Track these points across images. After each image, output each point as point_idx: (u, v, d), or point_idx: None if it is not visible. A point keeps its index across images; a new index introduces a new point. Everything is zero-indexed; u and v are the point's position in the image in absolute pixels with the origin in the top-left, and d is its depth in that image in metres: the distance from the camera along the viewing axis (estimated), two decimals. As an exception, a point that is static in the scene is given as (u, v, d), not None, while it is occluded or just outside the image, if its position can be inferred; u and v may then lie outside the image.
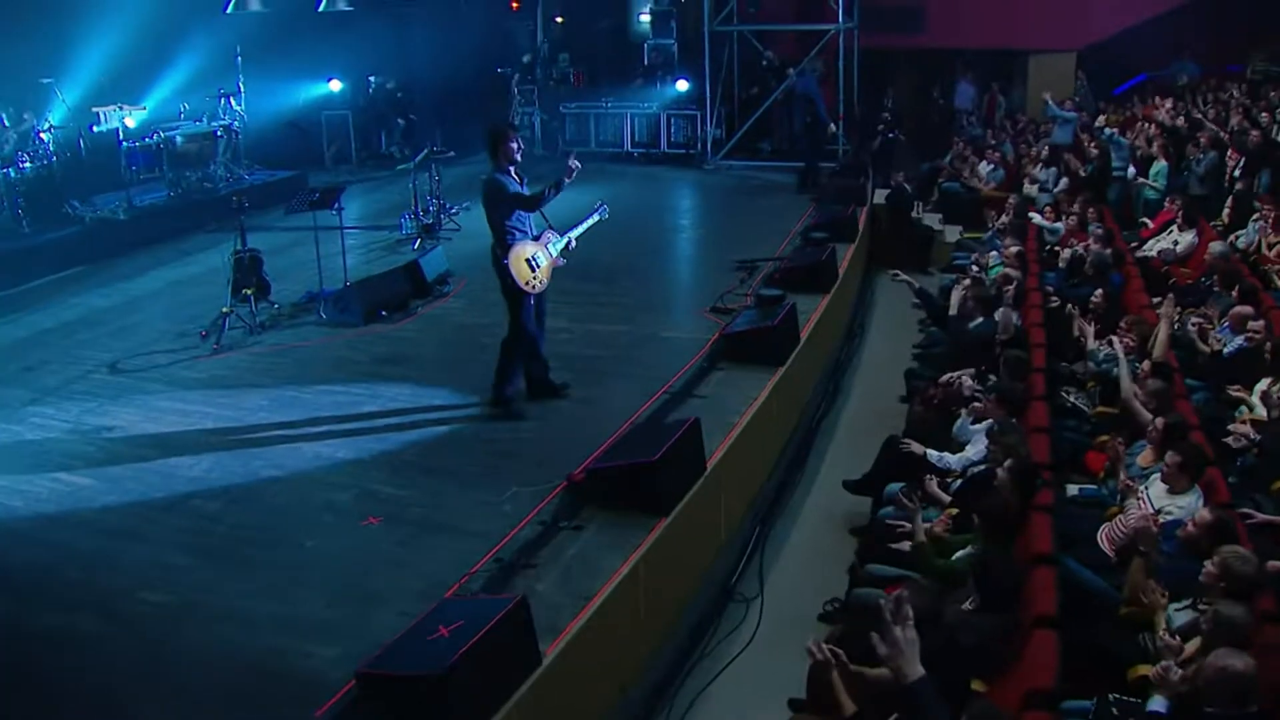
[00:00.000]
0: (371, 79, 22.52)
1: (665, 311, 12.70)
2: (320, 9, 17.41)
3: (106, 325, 12.48)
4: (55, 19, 16.48)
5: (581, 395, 9.98)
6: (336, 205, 12.94)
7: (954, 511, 7.64)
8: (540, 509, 7.68)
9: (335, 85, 22.16)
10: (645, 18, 28.76)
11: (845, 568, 7.97)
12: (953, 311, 12.02)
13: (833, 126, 20.99)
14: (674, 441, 7.87)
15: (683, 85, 23.12)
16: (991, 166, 19.31)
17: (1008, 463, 7.17)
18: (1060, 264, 13.76)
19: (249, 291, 12.04)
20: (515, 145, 9.23)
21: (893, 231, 18.03)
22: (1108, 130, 17.69)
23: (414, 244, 15.02)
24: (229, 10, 16.86)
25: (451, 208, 16.24)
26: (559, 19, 27.03)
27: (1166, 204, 14.92)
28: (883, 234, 17.93)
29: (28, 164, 14.97)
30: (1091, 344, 10.43)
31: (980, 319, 11.06)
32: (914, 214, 18.60)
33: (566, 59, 24.93)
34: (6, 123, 15.50)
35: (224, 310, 11.71)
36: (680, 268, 15.31)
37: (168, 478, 8.50)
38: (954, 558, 6.79)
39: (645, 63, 25.17)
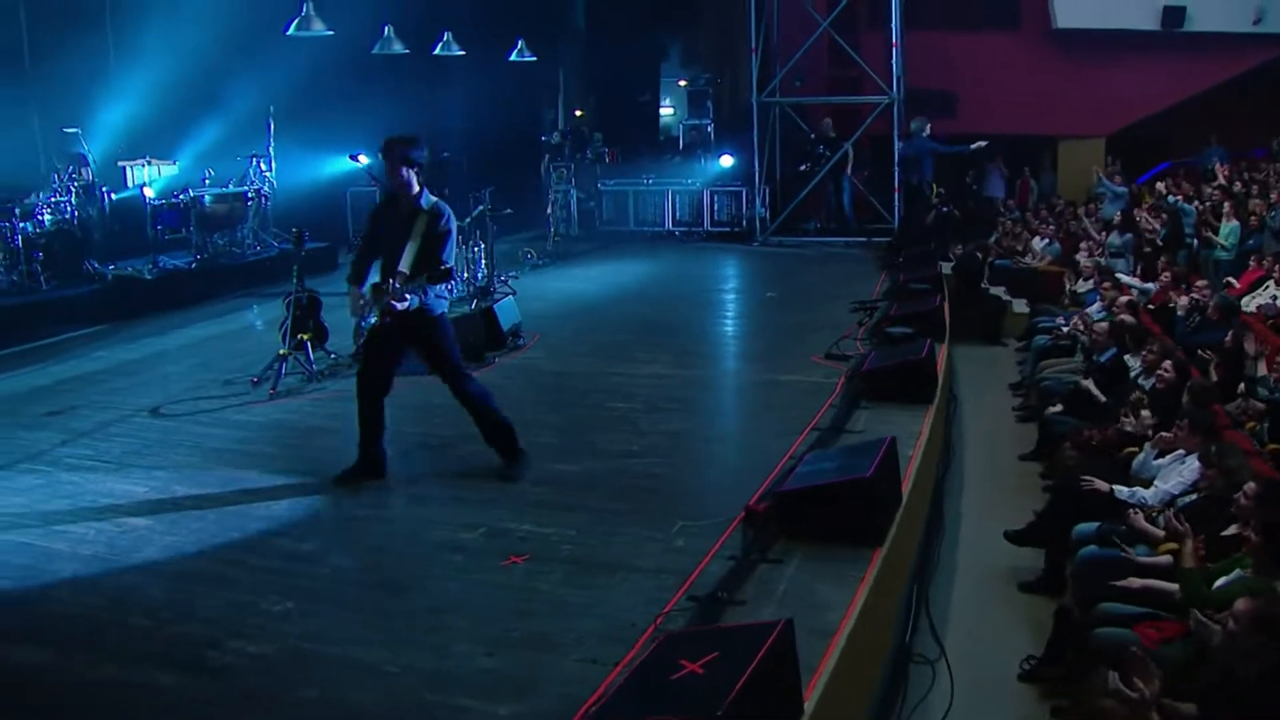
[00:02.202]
0: (376, 183, 21.27)
1: (772, 359, 11.60)
2: (375, 50, 16.20)
3: (138, 375, 11.02)
4: (87, 65, 15.71)
5: (708, 434, 9.16)
6: None
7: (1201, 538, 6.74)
8: (722, 542, 6.52)
9: (362, 160, 20.86)
10: (667, 111, 28.09)
11: (1025, 622, 7.39)
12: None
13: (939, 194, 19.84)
14: (880, 459, 6.67)
15: (727, 160, 22.02)
16: (1046, 241, 18.64)
17: (1251, 486, 6.28)
18: (1179, 312, 12.96)
19: (305, 337, 10.52)
20: None
21: (963, 302, 16.82)
22: (1172, 197, 17.20)
23: (470, 306, 13.51)
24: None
25: (503, 276, 14.79)
26: (578, 112, 26.16)
27: (1251, 262, 14.22)
28: (952, 305, 16.69)
29: (47, 216, 13.57)
30: (1262, 371, 9.83)
31: (1113, 349, 10.78)
32: (983, 284, 17.46)
33: (600, 138, 23.81)
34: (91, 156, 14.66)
35: (280, 353, 10.22)
36: (767, 324, 14.05)
37: (241, 517, 7.10)
38: (1215, 585, 5.98)
39: (682, 143, 24.23)
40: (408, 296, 7.20)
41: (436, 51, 17.66)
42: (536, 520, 6.94)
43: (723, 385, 10.81)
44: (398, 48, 16.16)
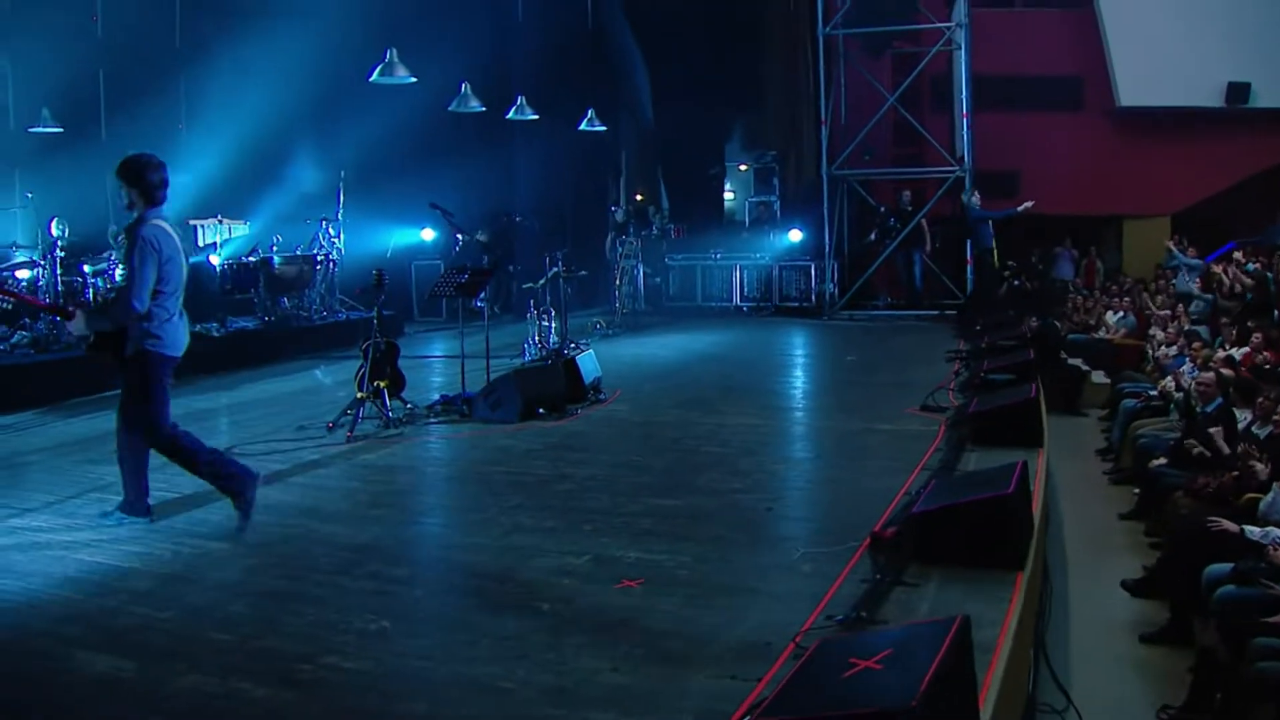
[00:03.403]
0: (460, 236, 21.09)
1: (864, 411, 11.01)
2: (452, 107, 16.01)
3: (209, 421, 10.64)
4: (160, 128, 15.79)
5: (813, 474, 8.67)
6: (482, 295, 11.55)
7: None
8: (853, 565, 6.00)
9: (428, 234, 20.70)
10: (730, 195, 27.85)
11: (1150, 673, 7.07)
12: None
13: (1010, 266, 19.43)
14: (1017, 480, 6.12)
15: (796, 235, 21.62)
16: (1120, 314, 18.16)
17: None
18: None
19: (382, 384, 10.08)
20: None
21: (1042, 372, 16.28)
22: (1251, 264, 16.84)
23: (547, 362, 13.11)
24: (452, 108, 15.72)
25: (575, 342, 14.35)
26: (639, 196, 25.94)
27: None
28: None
29: (119, 272, 13.24)
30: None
31: (1218, 400, 10.38)
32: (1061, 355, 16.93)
33: (667, 213, 23.54)
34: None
35: (358, 396, 9.81)
36: (852, 383, 13.58)
37: (326, 544, 6.64)
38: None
39: (748, 219, 23.93)
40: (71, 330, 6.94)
41: (509, 115, 17.41)
42: (646, 548, 6.41)
43: (817, 433, 10.28)
44: (474, 105, 15.96)
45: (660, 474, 8.34)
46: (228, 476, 6.85)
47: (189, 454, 6.85)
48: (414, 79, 13.52)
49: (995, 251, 19.81)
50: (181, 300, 6.88)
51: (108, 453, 8.77)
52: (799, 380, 13.90)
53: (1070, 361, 16.93)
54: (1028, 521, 6.25)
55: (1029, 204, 19.33)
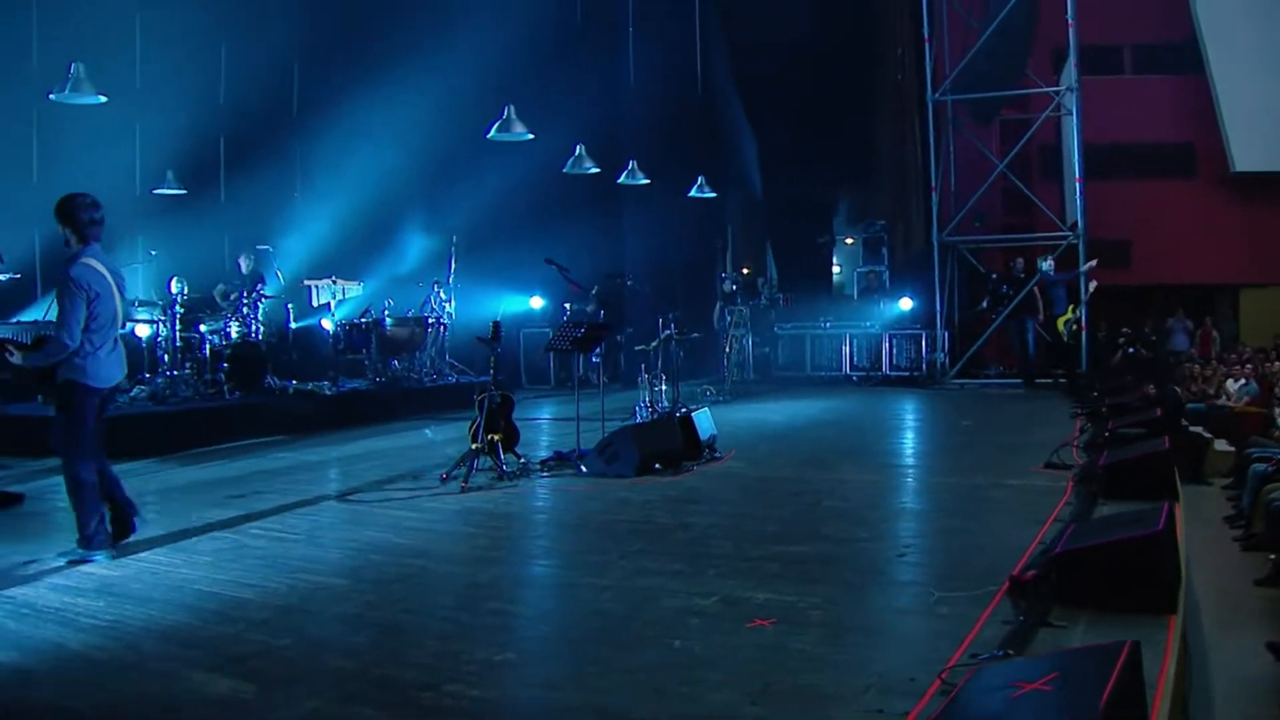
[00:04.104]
0: (567, 305, 21.09)
1: (987, 469, 10.55)
2: (566, 169, 16.04)
3: (321, 471, 10.75)
4: (276, 193, 16.37)
5: (940, 525, 8.24)
6: (600, 350, 11.46)
7: None
8: (994, 607, 5.68)
9: (537, 302, 20.71)
10: (836, 269, 27.64)
11: None
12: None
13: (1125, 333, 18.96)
14: (1164, 519, 5.78)
15: (906, 303, 21.27)
16: (1243, 382, 17.45)
17: None
18: None
19: (496, 437, 9.91)
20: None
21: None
22: None
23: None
24: (566, 169, 15.89)
25: (686, 407, 14.14)
26: (745, 269, 25.80)
27: None
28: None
29: (234, 329, 13.65)
30: None
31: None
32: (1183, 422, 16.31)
33: (775, 282, 23.35)
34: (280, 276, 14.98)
35: (472, 447, 9.67)
36: (970, 444, 13.09)
37: (445, 582, 6.51)
38: None
39: (857, 290, 23.65)
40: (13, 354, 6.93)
41: (621, 180, 17.41)
42: (775, 590, 6.11)
43: (940, 488, 9.88)
44: (589, 167, 15.96)
45: (783, 524, 8.03)
46: (97, 534, 6.82)
47: (89, 499, 6.88)
48: (531, 135, 13.53)
49: (1071, 318, 19.23)
50: (116, 334, 7.00)
51: (222, 497, 8.93)
52: (915, 442, 13.53)
53: (1191, 429, 16.37)
54: (1175, 567, 5.84)
55: (1093, 263, 19.01)
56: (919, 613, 5.70)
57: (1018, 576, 5.98)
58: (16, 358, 7.01)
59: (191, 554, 6.99)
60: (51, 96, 11.33)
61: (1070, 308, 19.82)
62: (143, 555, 6.97)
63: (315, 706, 4.44)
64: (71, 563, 6.56)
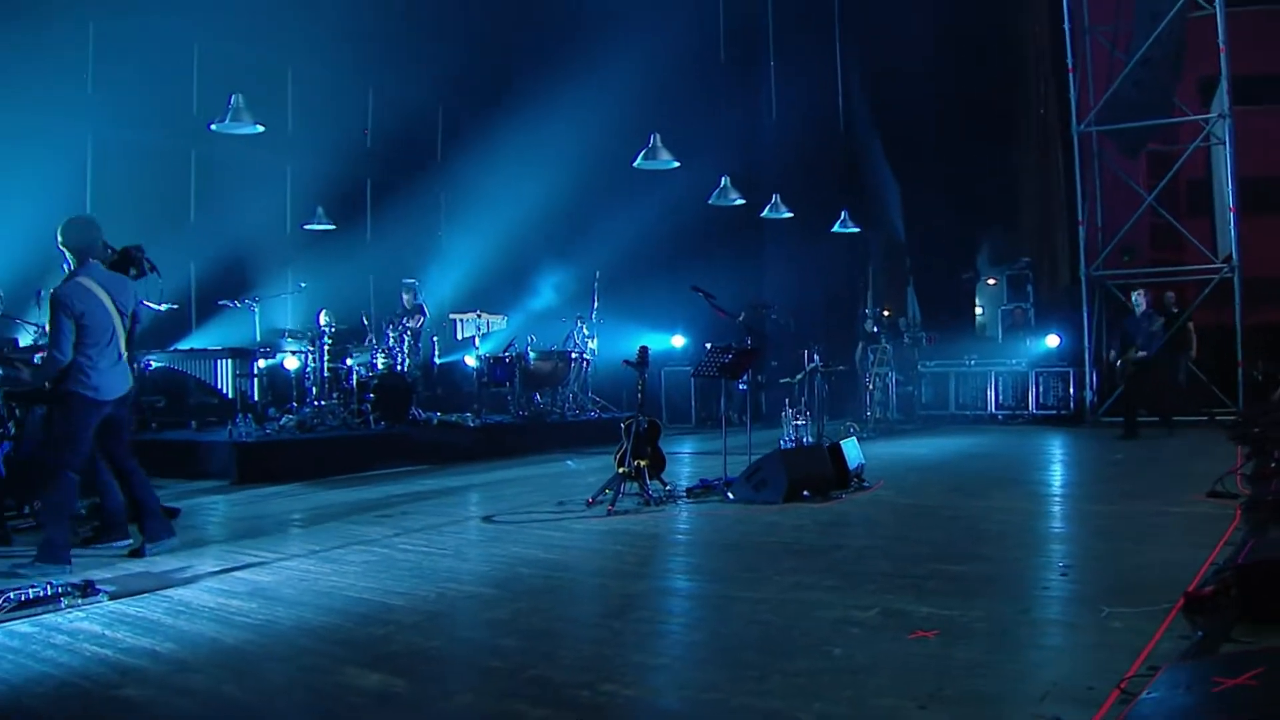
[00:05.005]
0: (708, 345, 20.93)
1: (1145, 498, 10.06)
2: (712, 200, 15.97)
3: (465, 495, 10.76)
4: (421, 231, 16.86)
5: (1104, 548, 7.70)
6: (748, 374, 11.43)
7: None
8: (1170, 620, 5.37)
9: (679, 341, 20.62)
10: (979, 310, 27.05)
11: None
12: None
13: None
14: None
15: (1053, 340, 20.62)
16: None
17: None
18: None
19: (642, 463, 9.78)
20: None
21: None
22: None
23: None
24: (712, 201, 15.99)
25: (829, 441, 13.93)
26: (886, 311, 25.38)
27: None
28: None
29: (380, 361, 13.86)
30: None
31: None
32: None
33: (917, 321, 22.92)
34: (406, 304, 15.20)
35: (619, 472, 9.59)
36: (1125, 475, 12.58)
37: (597, 593, 6.43)
38: None
39: (1002, 328, 23.06)
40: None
41: (764, 214, 17.28)
42: (936, 604, 5.84)
43: (1099, 515, 9.39)
44: (734, 198, 15.86)
45: (940, 545, 7.73)
46: (61, 545, 6.78)
47: (66, 512, 6.92)
48: (677, 163, 13.48)
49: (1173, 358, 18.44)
50: (119, 349, 7.07)
51: (370, 516, 8.98)
52: (1067, 473, 13.00)
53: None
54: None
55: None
56: (1089, 627, 5.38)
57: (1194, 593, 5.63)
58: (25, 374, 7.37)
59: (341, 564, 7.01)
60: (213, 127, 11.66)
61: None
62: (293, 564, 7.03)
63: (469, 701, 4.35)
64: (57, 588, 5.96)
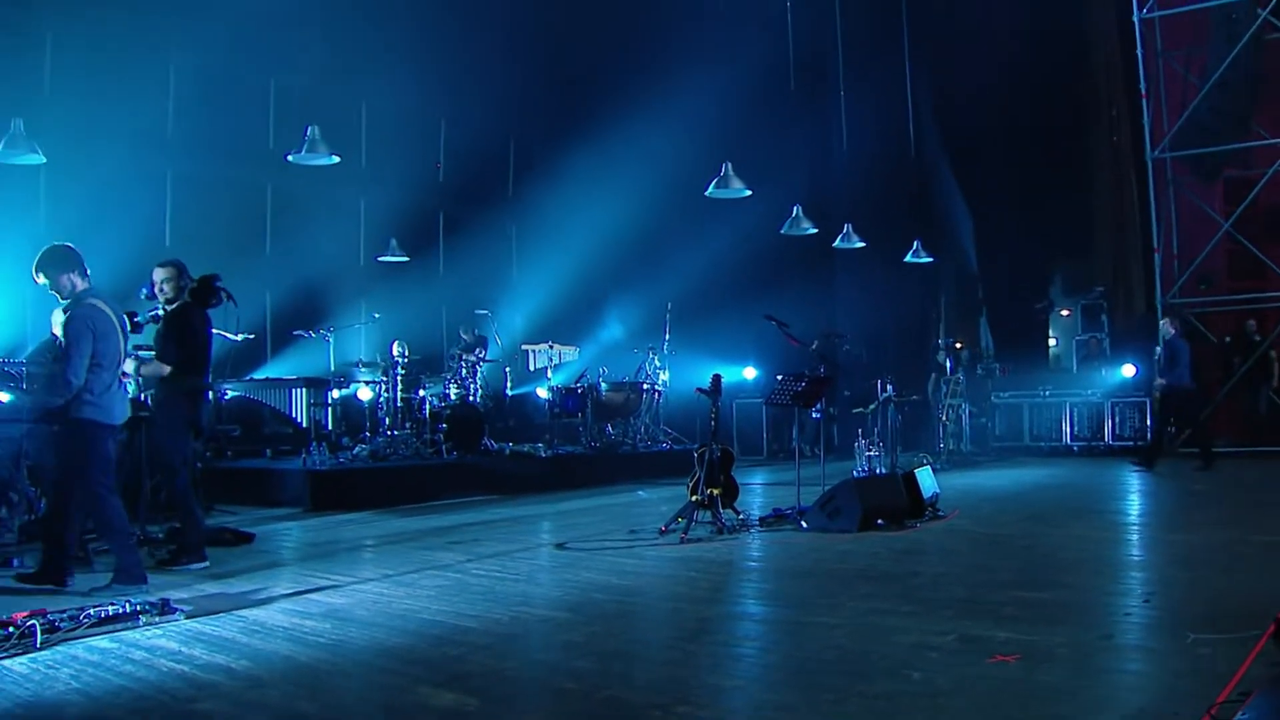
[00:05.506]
0: (779, 376, 20.83)
1: (1230, 526, 9.90)
2: (784, 230, 15.93)
3: (537, 523, 10.80)
4: (493, 265, 17.08)
5: (1191, 576, 7.55)
6: (821, 403, 11.34)
7: None
8: (1259, 649, 5.17)
9: (750, 373, 20.54)
10: (1053, 341, 26.69)
11: None
12: None
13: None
14: None
15: (1129, 370, 20.23)
16: None
17: None
18: None
19: (715, 492, 9.71)
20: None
21: None
22: None
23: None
24: (784, 230, 16.03)
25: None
26: (958, 344, 25.09)
27: None
28: None
29: (453, 391, 13.98)
30: None
31: None
32: None
33: (990, 352, 22.66)
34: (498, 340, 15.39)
35: (691, 500, 9.55)
36: (1209, 502, 12.50)
37: (670, 617, 6.44)
38: None
39: (1076, 359, 22.74)
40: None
41: (837, 244, 17.20)
42: (1015, 630, 5.73)
43: (1180, 544, 9.23)
44: (807, 228, 15.79)
45: (1017, 573, 7.60)
46: (133, 565, 6.88)
47: (114, 522, 6.94)
48: (748, 192, 13.47)
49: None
50: (118, 374, 7.04)
51: (443, 543, 9.01)
52: (1146, 503, 12.69)
53: None
54: None
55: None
56: (1174, 653, 5.25)
57: (1287, 620, 5.47)
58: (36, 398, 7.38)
59: (414, 588, 7.03)
60: (289, 158, 11.88)
61: None
62: (366, 587, 7.06)
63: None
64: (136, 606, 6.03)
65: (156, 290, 8.08)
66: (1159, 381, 16.61)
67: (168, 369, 7.85)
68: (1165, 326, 16.88)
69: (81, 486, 6.86)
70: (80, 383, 6.73)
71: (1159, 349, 17.35)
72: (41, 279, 6.90)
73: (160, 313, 8.13)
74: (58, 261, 6.90)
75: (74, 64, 13.13)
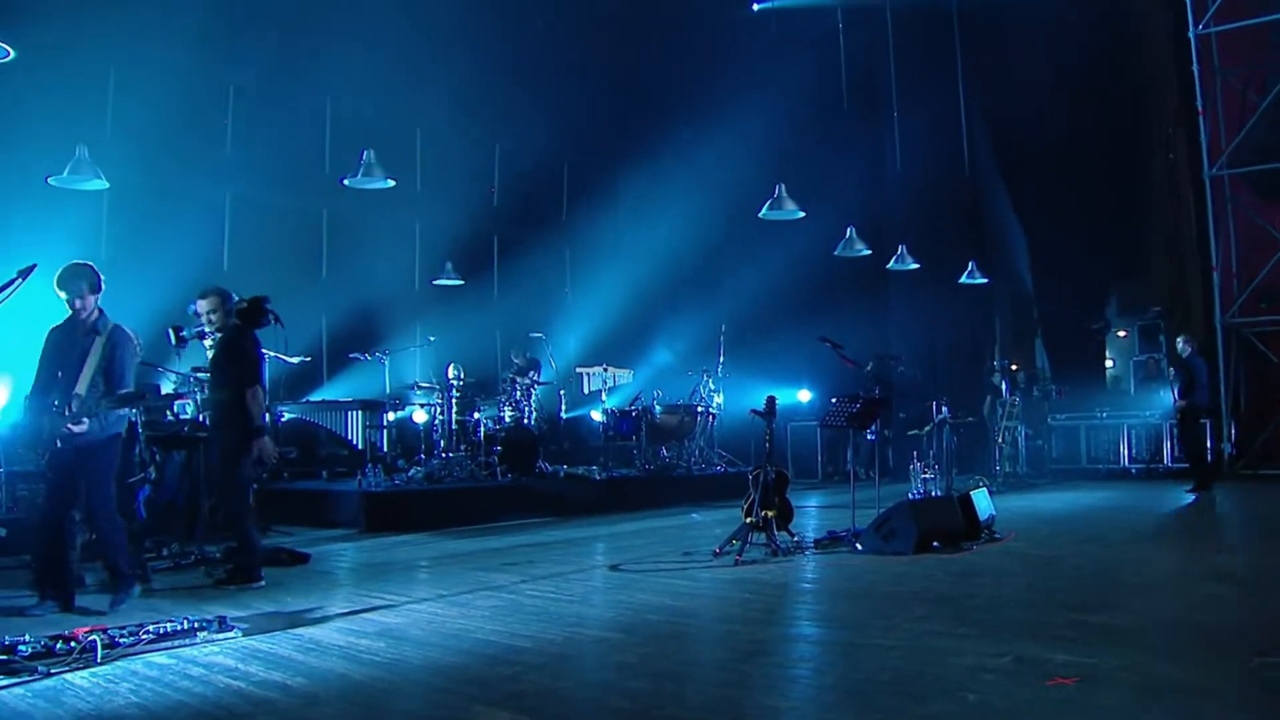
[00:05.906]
0: (834, 399, 20.72)
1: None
2: (838, 251, 15.91)
3: (591, 545, 10.79)
4: (548, 283, 17.39)
5: (1258, 598, 7.43)
6: (876, 424, 11.41)
7: None
8: None
9: (804, 395, 20.45)
10: (1110, 363, 26.39)
11: None
12: None
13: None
14: None
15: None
16: None
17: None
18: None
19: (770, 514, 9.68)
20: None
21: None
22: None
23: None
24: (838, 252, 16.13)
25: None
26: (1014, 366, 24.85)
27: None
28: None
29: (507, 413, 14.05)
30: None
31: None
32: None
33: (1047, 374, 22.42)
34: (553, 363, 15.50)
35: (746, 522, 9.55)
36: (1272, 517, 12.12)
37: (724, 639, 6.38)
38: None
39: (1135, 378, 22.45)
40: (84, 420, 6.65)
41: (891, 265, 17.13)
42: (1074, 652, 5.64)
43: (1245, 567, 9.09)
44: (860, 249, 15.74)
45: (1075, 595, 7.50)
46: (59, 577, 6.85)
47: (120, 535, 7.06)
48: (802, 213, 13.46)
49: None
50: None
51: (497, 564, 9.05)
52: (1208, 525, 12.59)
53: None
54: None
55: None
56: (1234, 673, 5.21)
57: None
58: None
59: (468, 608, 7.06)
60: (345, 181, 12.02)
61: None
62: (421, 607, 7.11)
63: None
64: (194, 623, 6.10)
65: (205, 322, 8.16)
66: (1180, 403, 16.39)
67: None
68: (1182, 345, 16.67)
69: (110, 500, 6.99)
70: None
71: (1171, 369, 17.17)
72: (64, 294, 6.96)
73: (205, 329, 8.24)
74: (74, 280, 6.96)
75: (135, 91, 13.34)
